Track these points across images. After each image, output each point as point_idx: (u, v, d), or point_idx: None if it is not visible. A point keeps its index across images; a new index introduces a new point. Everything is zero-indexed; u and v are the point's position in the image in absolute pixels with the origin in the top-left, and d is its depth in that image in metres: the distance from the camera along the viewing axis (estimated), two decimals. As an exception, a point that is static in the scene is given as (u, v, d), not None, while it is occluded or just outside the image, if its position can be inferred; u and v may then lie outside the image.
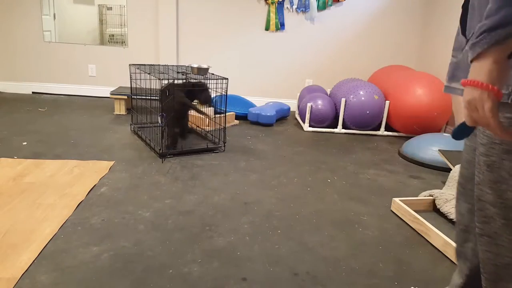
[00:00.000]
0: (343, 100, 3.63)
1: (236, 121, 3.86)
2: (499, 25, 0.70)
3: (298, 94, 4.27)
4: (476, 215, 0.89)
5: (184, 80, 2.86)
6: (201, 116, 3.39)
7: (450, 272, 1.60)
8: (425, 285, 1.51)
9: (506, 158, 0.81)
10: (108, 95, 4.55)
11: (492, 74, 0.72)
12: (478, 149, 0.85)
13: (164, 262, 1.54)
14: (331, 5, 4.35)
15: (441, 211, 2.08)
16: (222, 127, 3.42)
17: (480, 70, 0.73)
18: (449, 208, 2.04)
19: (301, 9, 4.33)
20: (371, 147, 3.35)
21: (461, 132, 0.82)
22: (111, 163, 2.52)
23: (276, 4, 4.29)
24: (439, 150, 2.65)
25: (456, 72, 0.96)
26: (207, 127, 3.48)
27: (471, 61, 0.75)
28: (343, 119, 3.70)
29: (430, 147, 2.93)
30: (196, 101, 2.97)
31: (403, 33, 4.48)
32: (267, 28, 4.38)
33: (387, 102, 3.64)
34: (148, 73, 2.92)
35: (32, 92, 4.56)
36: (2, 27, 4.36)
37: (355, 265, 1.61)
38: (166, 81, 2.69)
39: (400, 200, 2.11)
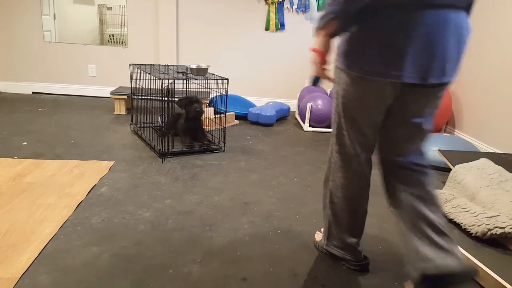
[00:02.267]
0: (343, 100, 3.63)
1: (236, 121, 3.86)
2: (322, 16, 1.24)
3: (298, 94, 4.27)
4: (333, 126, 1.44)
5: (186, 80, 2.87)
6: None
7: (450, 272, 1.61)
8: (425, 285, 1.51)
9: (333, 88, 1.39)
10: (108, 95, 4.55)
11: (321, 45, 1.28)
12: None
13: (164, 262, 1.54)
14: (331, 5, 4.34)
15: (441, 211, 2.08)
16: (222, 127, 3.42)
17: (316, 43, 1.28)
18: (449, 208, 2.04)
19: (301, 9, 4.33)
20: (371, 147, 3.35)
21: (314, 81, 1.36)
22: (111, 163, 2.52)
23: (276, 4, 4.29)
24: (439, 150, 2.65)
25: None
26: (207, 127, 3.49)
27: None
28: (343, 119, 3.70)
29: (430, 147, 2.93)
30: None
31: (403, 33, 4.48)
32: (267, 28, 4.38)
33: (387, 102, 3.64)
34: (148, 73, 2.92)
35: (32, 92, 4.56)
36: (2, 27, 4.37)
37: (355, 265, 1.61)
38: (166, 82, 2.69)
39: (400, 200, 2.10)
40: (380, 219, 2.02)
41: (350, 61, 1.24)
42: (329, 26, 1.23)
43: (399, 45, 1.15)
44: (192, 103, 2.86)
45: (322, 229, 1.67)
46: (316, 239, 1.74)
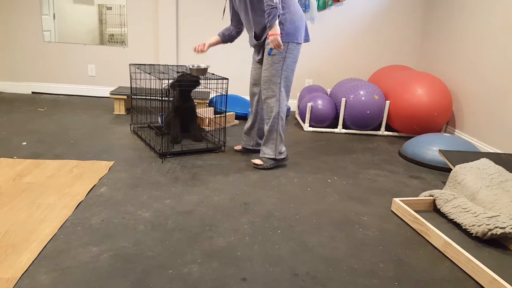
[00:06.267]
0: (343, 100, 3.62)
1: (236, 121, 3.86)
2: (273, 16, 2.31)
3: (298, 94, 4.27)
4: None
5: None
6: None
7: (451, 272, 1.60)
8: (425, 285, 1.51)
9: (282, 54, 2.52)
10: (108, 95, 4.54)
11: (278, 31, 2.35)
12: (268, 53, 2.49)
13: (164, 262, 1.54)
14: (331, 5, 4.34)
15: (442, 211, 2.08)
16: (222, 127, 3.41)
17: (274, 30, 2.32)
18: (450, 208, 2.04)
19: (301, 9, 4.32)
20: (371, 147, 3.35)
21: (269, 51, 2.44)
22: (111, 163, 2.52)
23: (276, 4, 4.30)
24: (439, 150, 2.65)
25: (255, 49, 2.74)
26: (207, 127, 3.48)
27: (269, 29, 2.34)
28: (343, 119, 3.70)
29: (430, 147, 2.93)
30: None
31: (403, 33, 4.48)
32: (267, 28, 4.38)
33: (387, 102, 3.64)
34: (148, 73, 2.92)
35: (32, 92, 4.56)
36: (2, 27, 4.36)
37: (355, 265, 1.61)
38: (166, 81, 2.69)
39: (400, 200, 2.11)
40: (381, 219, 2.02)
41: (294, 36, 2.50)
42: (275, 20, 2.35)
43: (302, 25, 2.53)
44: (184, 75, 2.81)
45: (259, 158, 2.67)
46: (257, 162, 2.62)
